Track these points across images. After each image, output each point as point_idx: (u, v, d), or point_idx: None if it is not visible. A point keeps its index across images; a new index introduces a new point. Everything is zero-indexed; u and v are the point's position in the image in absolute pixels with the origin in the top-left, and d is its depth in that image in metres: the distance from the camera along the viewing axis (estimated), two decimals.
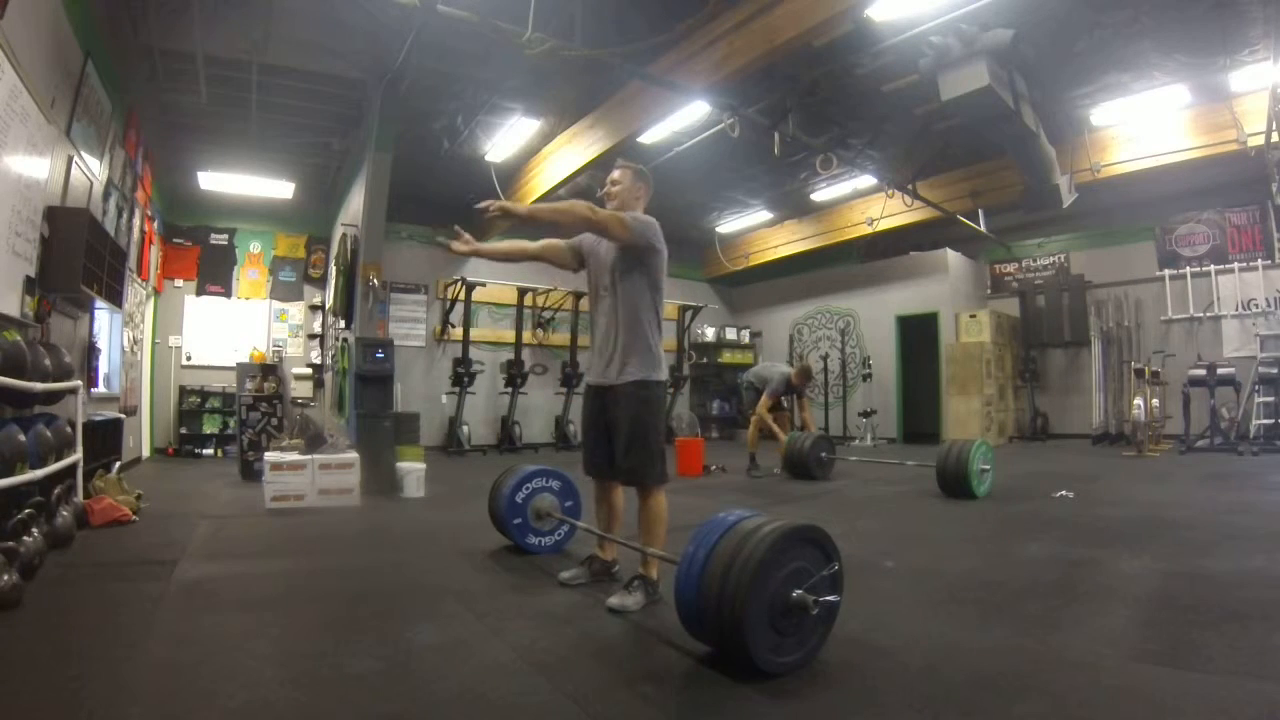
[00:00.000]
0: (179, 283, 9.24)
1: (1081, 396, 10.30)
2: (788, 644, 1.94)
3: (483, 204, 2.82)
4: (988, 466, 5.11)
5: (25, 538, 2.83)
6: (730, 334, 13.05)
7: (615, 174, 2.91)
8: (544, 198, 8.50)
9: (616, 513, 2.94)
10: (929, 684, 1.84)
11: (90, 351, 5.43)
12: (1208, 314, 9.27)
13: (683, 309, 12.10)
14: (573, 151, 7.56)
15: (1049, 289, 10.84)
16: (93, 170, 5.02)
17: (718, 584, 1.90)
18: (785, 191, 10.33)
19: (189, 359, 9.22)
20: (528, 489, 3.45)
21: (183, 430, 8.93)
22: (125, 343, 6.69)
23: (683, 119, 6.86)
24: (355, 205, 7.29)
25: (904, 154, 8.42)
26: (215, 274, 9.45)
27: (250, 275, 9.70)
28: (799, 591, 1.94)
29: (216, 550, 3.56)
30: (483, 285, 9.97)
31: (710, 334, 12.81)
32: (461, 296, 9.90)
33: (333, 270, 8.70)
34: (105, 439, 5.08)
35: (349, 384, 6.88)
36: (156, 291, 8.64)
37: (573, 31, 5.19)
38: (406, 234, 10.15)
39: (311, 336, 9.89)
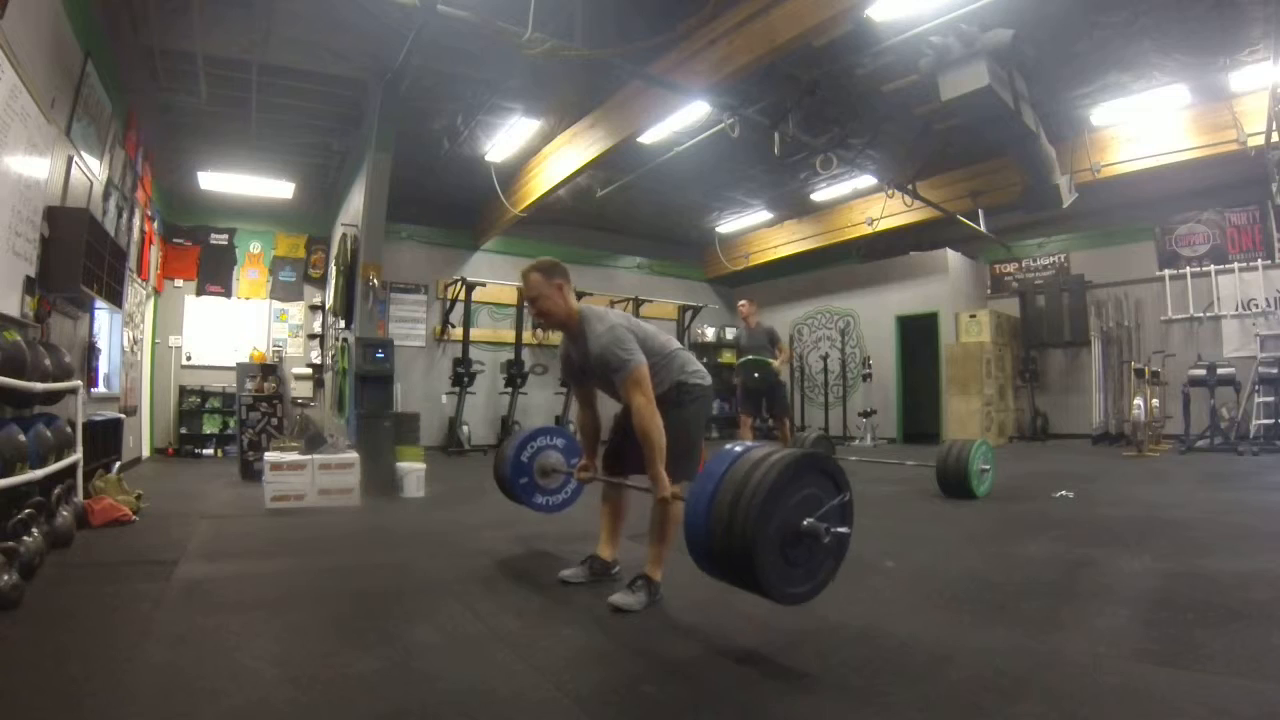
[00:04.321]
0: (179, 283, 9.24)
1: (1081, 396, 10.30)
2: (797, 574, 1.92)
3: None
4: (988, 466, 5.11)
5: (25, 538, 2.82)
6: (730, 334, 13.04)
7: (528, 288, 2.73)
8: (544, 198, 8.52)
9: (622, 512, 2.93)
10: (929, 684, 1.84)
11: (90, 351, 5.43)
12: (1208, 314, 9.26)
13: (683, 309, 12.10)
14: (573, 151, 7.56)
15: (1049, 289, 10.83)
16: (93, 170, 5.02)
17: (727, 510, 1.86)
18: (785, 191, 10.34)
19: (189, 359, 9.22)
20: (533, 447, 3.40)
21: (183, 430, 8.93)
22: (125, 343, 6.69)
23: (683, 119, 6.85)
24: (355, 205, 7.29)
25: (904, 154, 8.42)
26: (215, 274, 9.45)
27: (250, 275, 9.70)
28: (810, 520, 1.90)
29: (216, 550, 3.55)
30: (483, 285, 9.97)
31: (710, 334, 12.81)
32: (461, 296, 9.90)
33: (333, 270, 8.70)
34: (105, 439, 5.08)
35: (349, 384, 6.88)
36: (156, 291, 8.64)
37: (573, 31, 5.20)
38: (406, 234, 10.16)
39: (311, 336, 9.89)
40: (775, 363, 6.74)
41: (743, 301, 7.37)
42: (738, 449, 2.04)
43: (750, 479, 1.87)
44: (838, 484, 2.03)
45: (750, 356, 6.94)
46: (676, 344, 2.89)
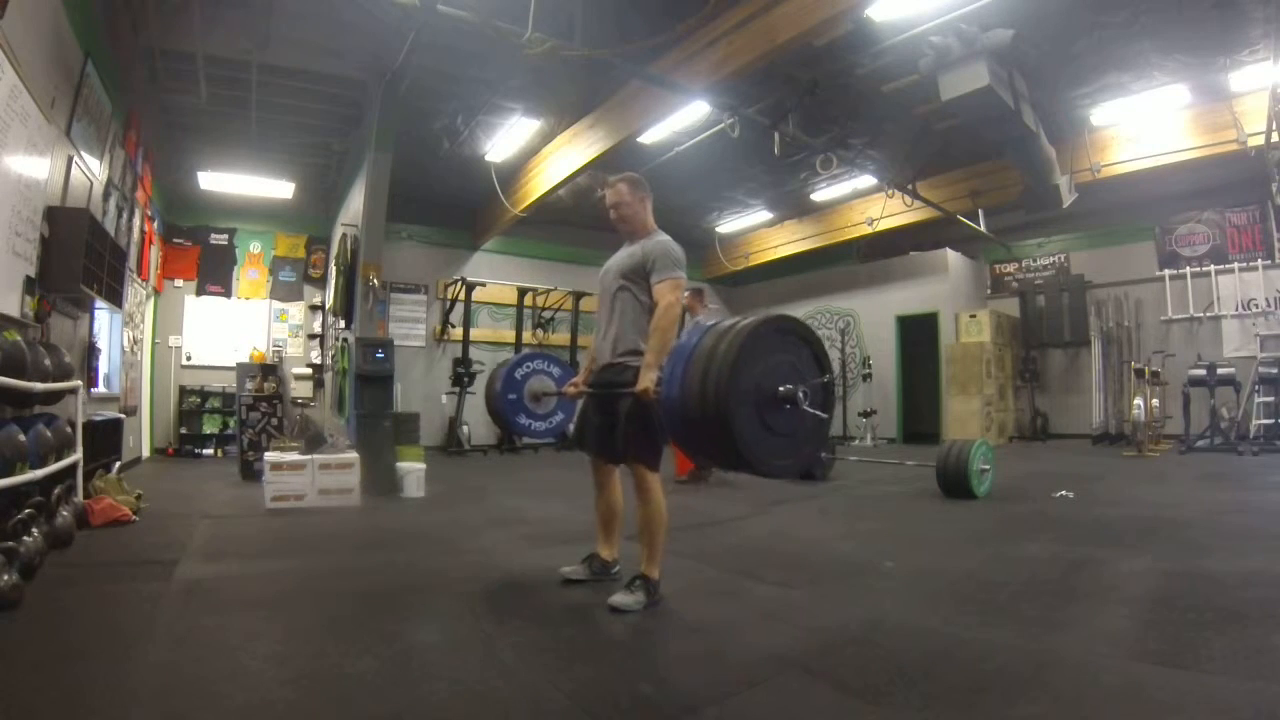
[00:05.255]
0: (179, 283, 9.23)
1: (1081, 396, 10.30)
2: (779, 444, 1.88)
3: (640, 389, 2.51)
4: (988, 466, 5.11)
5: (25, 538, 2.82)
6: None
7: (613, 194, 2.86)
8: (544, 198, 8.52)
9: (616, 510, 2.93)
10: (929, 684, 1.84)
11: (90, 351, 5.43)
12: (1208, 314, 9.27)
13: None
14: (573, 151, 7.56)
15: (1049, 289, 10.84)
16: (93, 170, 5.02)
17: (699, 380, 1.81)
18: (785, 191, 10.34)
19: (189, 359, 9.22)
20: (528, 367, 3.40)
21: (183, 430, 8.93)
22: (125, 343, 6.69)
23: (683, 119, 6.86)
24: (355, 205, 7.29)
25: (904, 154, 8.42)
26: (215, 274, 9.45)
27: (250, 275, 9.70)
28: (787, 386, 1.86)
29: (216, 550, 3.55)
30: (483, 285, 9.97)
31: None
32: (461, 296, 9.90)
33: (333, 270, 8.70)
34: (105, 439, 5.08)
35: (349, 384, 6.88)
36: (156, 291, 8.64)
37: (573, 31, 5.19)
38: (406, 234, 10.16)
39: (311, 336, 9.89)
40: None
41: (686, 291, 7.16)
42: (708, 323, 2.00)
43: (719, 345, 1.83)
44: (818, 360, 1.98)
45: None
46: None
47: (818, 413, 1.91)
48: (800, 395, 1.84)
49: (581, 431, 2.97)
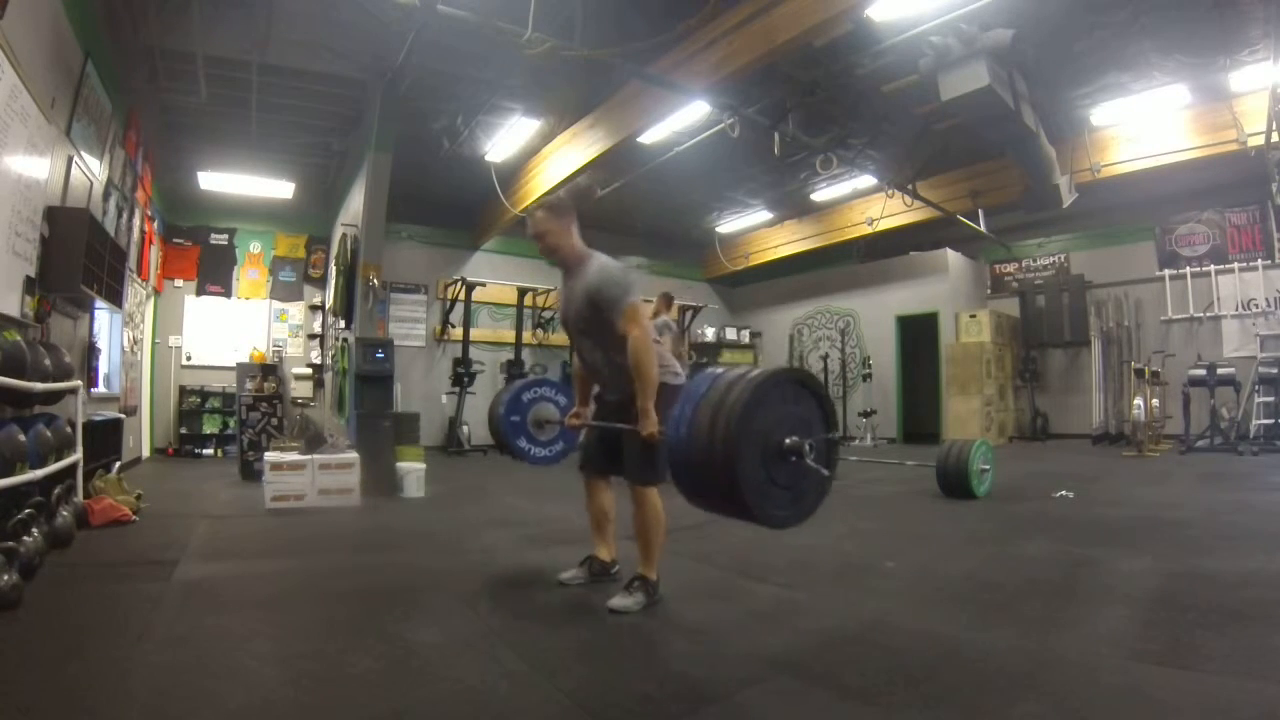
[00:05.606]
0: (179, 283, 9.23)
1: (1081, 396, 10.30)
2: (781, 496, 1.88)
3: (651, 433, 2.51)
4: (988, 466, 5.11)
5: (25, 538, 2.82)
6: (730, 334, 13.05)
7: (534, 225, 2.68)
8: (544, 197, 8.51)
9: (608, 512, 2.92)
10: (929, 684, 1.84)
11: (90, 351, 5.43)
12: (1208, 314, 9.26)
13: (683, 309, 12.09)
14: (573, 151, 7.56)
15: (1049, 289, 10.84)
16: (93, 170, 5.02)
17: (707, 428, 1.81)
18: (785, 191, 10.34)
19: (189, 359, 9.21)
20: (535, 392, 3.36)
21: (183, 430, 8.92)
22: (125, 343, 6.69)
23: (682, 119, 6.85)
24: (355, 205, 7.29)
25: (904, 154, 8.42)
26: (215, 274, 9.45)
27: (250, 275, 9.70)
28: (793, 438, 1.86)
29: (216, 550, 3.56)
30: (483, 285, 9.97)
31: (710, 334, 12.80)
32: (461, 296, 9.90)
33: (333, 270, 8.69)
34: (105, 439, 5.08)
35: (349, 384, 6.88)
36: (156, 291, 8.64)
37: (573, 31, 5.19)
38: (406, 234, 10.16)
39: (311, 336, 9.88)
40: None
41: (651, 299, 6.83)
42: (717, 370, 2.00)
43: (730, 394, 1.82)
44: (826, 416, 1.98)
45: None
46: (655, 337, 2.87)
47: (821, 469, 1.91)
48: (806, 448, 1.85)
49: (586, 456, 2.94)
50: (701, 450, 1.82)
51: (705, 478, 1.87)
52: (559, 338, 10.81)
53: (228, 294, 9.51)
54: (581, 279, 2.64)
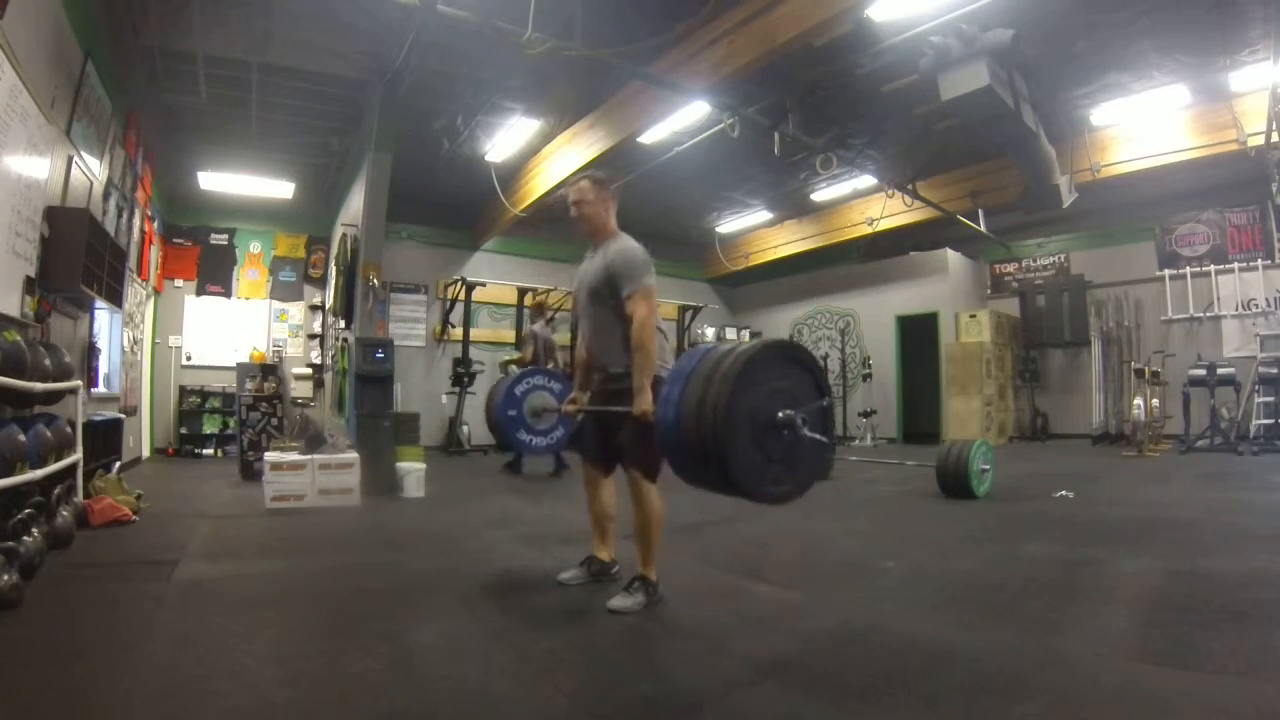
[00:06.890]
0: (179, 283, 9.23)
1: (1081, 396, 10.30)
2: (775, 470, 1.85)
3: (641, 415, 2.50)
4: (988, 466, 5.11)
5: (25, 538, 2.82)
6: (730, 334, 13.04)
7: (576, 191, 2.76)
8: (544, 198, 8.52)
9: (609, 511, 2.92)
10: (929, 684, 1.84)
11: (90, 351, 5.43)
12: (1208, 314, 9.27)
13: (682, 309, 12.09)
14: (573, 151, 7.56)
15: (1049, 289, 10.84)
16: (93, 170, 5.02)
17: (695, 404, 1.79)
18: (785, 191, 10.33)
19: (189, 359, 9.21)
20: (529, 383, 3.37)
21: (183, 430, 8.92)
22: (125, 343, 6.69)
23: (683, 119, 6.85)
24: (355, 205, 7.29)
25: (904, 154, 8.42)
26: (215, 274, 9.45)
27: (250, 275, 9.70)
28: (785, 411, 1.83)
29: (216, 550, 3.55)
30: (483, 285, 9.96)
31: (710, 334, 12.80)
32: (461, 296, 9.90)
33: (333, 270, 8.70)
34: (105, 439, 5.08)
35: (349, 384, 6.88)
36: (156, 291, 8.64)
37: (573, 31, 5.19)
38: (406, 234, 10.16)
39: (311, 336, 9.88)
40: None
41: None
42: (707, 346, 1.98)
43: (718, 369, 1.81)
44: (818, 384, 1.96)
45: None
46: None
47: (817, 436, 1.89)
48: (799, 420, 1.82)
49: (580, 435, 2.97)
50: (691, 431, 1.81)
51: (697, 458, 1.86)
52: (559, 338, 10.78)
53: (228, 294, 9.51)
54: (605, 253, 2.73)
